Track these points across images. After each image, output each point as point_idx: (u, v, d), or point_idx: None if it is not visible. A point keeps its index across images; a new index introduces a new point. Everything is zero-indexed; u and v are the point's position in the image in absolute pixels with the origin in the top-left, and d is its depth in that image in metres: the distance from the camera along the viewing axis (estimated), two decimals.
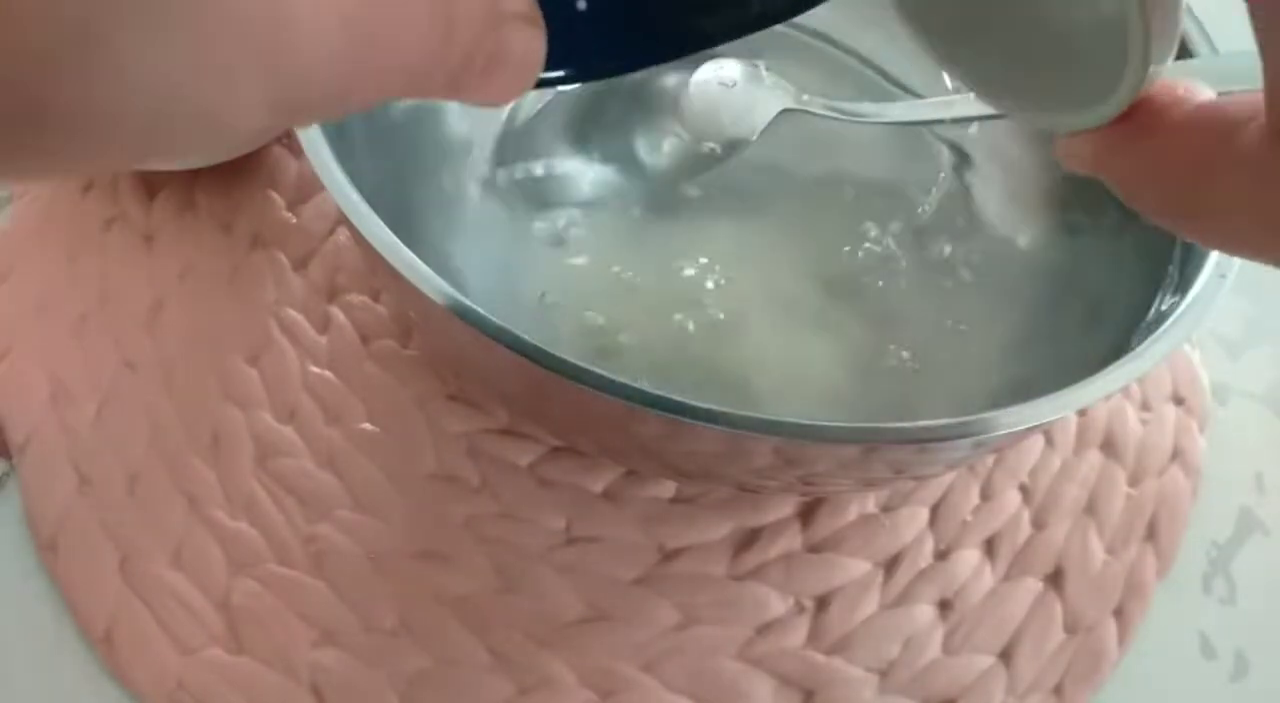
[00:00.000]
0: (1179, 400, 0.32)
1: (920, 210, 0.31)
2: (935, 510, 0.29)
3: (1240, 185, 0.14)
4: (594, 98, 0.33)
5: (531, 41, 0.15)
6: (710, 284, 0.29)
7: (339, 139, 0.23)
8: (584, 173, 0.31)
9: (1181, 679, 0.28)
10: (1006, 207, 0.31)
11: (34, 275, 0.30)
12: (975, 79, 0.18)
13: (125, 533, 0.27)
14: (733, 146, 0.31)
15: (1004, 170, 0.32)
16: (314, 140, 0.23)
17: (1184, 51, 0.28)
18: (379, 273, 0.27)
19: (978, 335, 0.30)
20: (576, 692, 0.26)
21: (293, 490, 0.28)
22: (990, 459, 0.30)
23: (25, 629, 0.26)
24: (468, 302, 0.21)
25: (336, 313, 0.30)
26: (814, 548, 0.28)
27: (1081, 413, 0.31)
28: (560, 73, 0.17)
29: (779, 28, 0.19)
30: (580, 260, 0.30)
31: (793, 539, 0.28)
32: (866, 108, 0.31)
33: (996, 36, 0.17)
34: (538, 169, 0.31)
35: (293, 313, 0.30)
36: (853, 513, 0.29)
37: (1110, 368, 0.22)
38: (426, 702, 0.25)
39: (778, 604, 0.27)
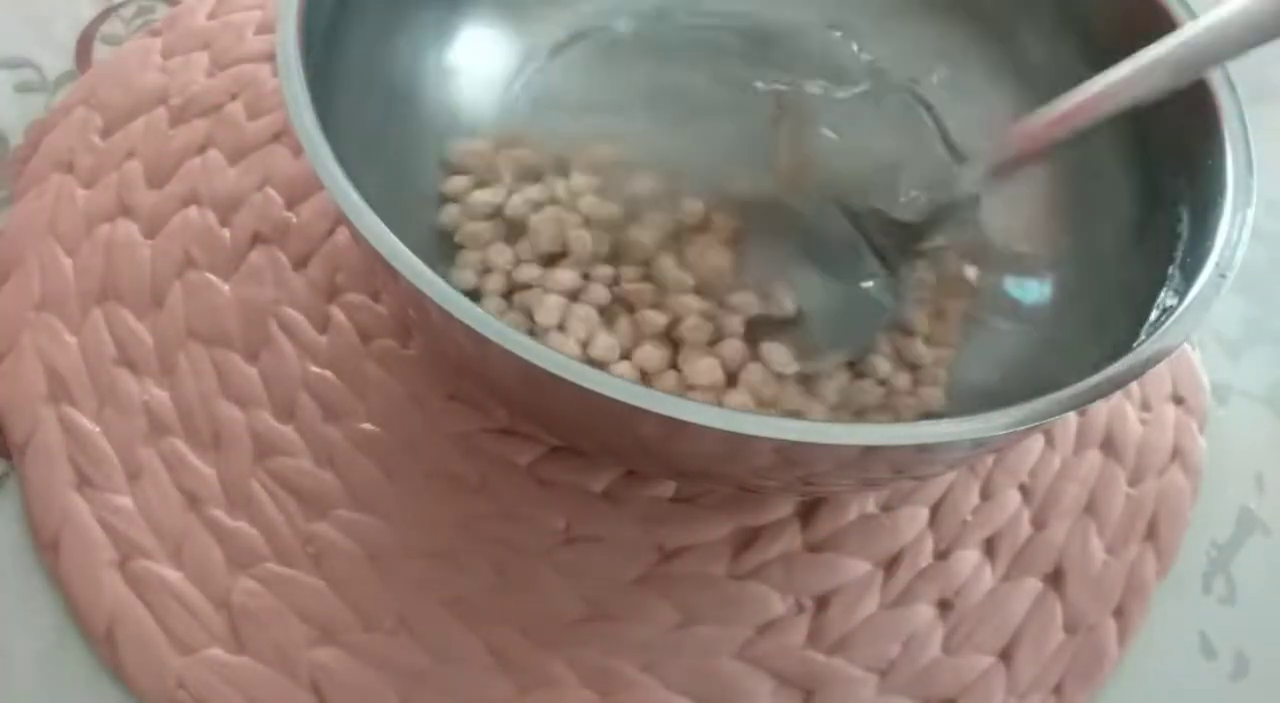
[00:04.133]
0: (1179, 400, 0.32)
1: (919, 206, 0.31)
2: (935, 510, 0.29)
3: None
4: (592, 97, 0.33)
5: None
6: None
7: (337, 136, 0.23)
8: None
9: (1181, 679, 0.28)
10: (1006, 208, 0.31)
11: (34, 275, 0.30)
12: None
13: (125, 532, 0.27)
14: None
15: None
16: (313, 139, 0.23)
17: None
18: (377, 272, 0.27)
19: (978, 335, 0.30)
20: (576, 692, 0.26)
21: (292, 489, 0.28)
22: (990, 459, 0.30)
23: (25, 629, 0.26)
24: (468, 301, 0.21)
25: (336, 312, 0.30)
26: (814, 548, 0.28)
27: (1081, 413, 0.31)
28: None
29: None
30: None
31: (793, 539, 0.28)
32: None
33: None
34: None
35: (292, 312, 0.30)
36: (853, 513, 0.29)
37: (1110, 368, 0.22)
38: (426, 701, 0.25)
39: (778, 604, 0.27)
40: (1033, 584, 0.28)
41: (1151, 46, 0.25)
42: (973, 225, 0.29)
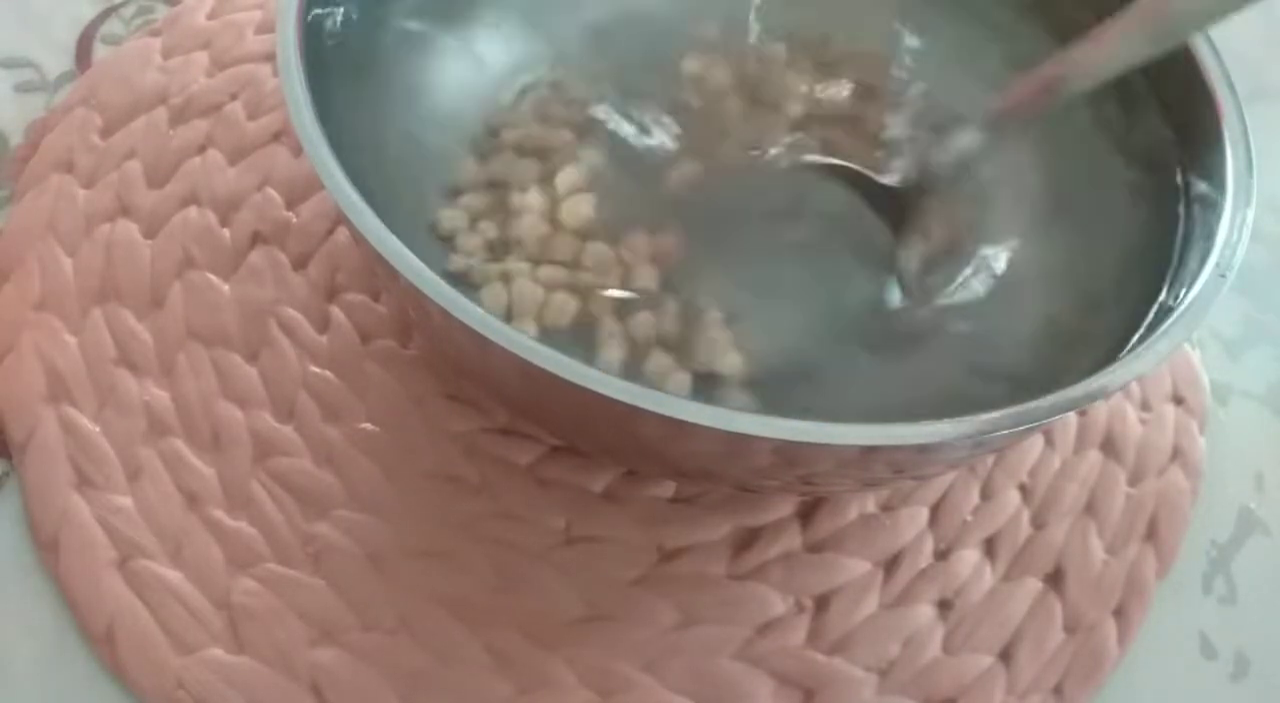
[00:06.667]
0: (1179, 400, 0.32)
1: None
2: (935, 510, 0.29)
3: None
4: (591, 91, 0.33)
5: None
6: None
7: (338, 136, 0.23)
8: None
9: (1181, 679, 0.28)
10: (1008, 208, 0.31)
11: (34, 275, 0.30)
12: None
13: (125, 532, 0.27)
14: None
15: (1005, 173, 0.32)
16: (313, 139, 0.23)
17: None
18: (378, 272, 0.27)
19: (978, 336, 0.30)
20: (576, 692, 0.26)
21: (292, 489, 0.28)
22: (990, 459, 0.30)
23: (25, 629, 0.26)
24: (468, 301, 0.21)
25: (336, 312, 0.30)
26: (814, 548, 0.28)
27: (1081, 413, 0.31)
28: None
29: None
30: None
31: (793, 539, 0.28)
32: None
33: None
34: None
35: (292, 312, 0.30)
36: (853, 513, 0.29)
37: (1110, 368, 0.22)
38: (426, 702, 0.25)
39: (778, 604, 0.27)
40: (1033, 584, 0.28)
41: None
42: (968, 198, 0.30)
